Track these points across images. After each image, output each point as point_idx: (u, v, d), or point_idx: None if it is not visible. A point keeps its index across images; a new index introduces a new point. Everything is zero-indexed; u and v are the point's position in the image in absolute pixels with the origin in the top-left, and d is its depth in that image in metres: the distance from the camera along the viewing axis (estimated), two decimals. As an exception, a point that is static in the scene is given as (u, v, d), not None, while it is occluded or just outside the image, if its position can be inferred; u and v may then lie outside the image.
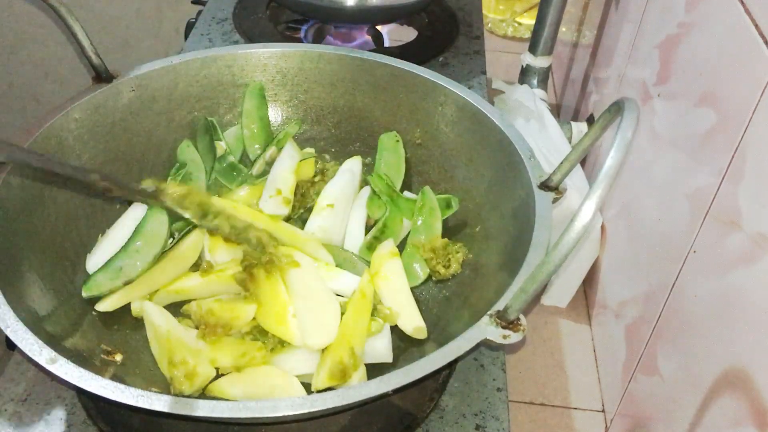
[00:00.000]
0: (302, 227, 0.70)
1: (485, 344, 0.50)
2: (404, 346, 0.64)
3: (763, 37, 0.54)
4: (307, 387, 0.58)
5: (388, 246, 0.68)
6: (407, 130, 0.77)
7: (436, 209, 0.71)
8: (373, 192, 0.74)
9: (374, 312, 0.62)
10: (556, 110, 1.25)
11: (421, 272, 0.68)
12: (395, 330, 0.65)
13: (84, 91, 0.70)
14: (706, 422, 0.58)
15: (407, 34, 1.18)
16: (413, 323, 0.63)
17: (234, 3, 1.15)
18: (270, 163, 0.75)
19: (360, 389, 0.47)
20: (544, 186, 0.61)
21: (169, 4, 1.55)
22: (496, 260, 0.64)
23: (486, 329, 0.49)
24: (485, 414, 0.62)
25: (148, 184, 0.59)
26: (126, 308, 0.64)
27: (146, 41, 1.61)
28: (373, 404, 0.62)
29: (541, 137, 0.93)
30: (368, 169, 0.79)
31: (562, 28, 1.18)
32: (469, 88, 0.82)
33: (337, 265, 0.67)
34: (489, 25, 1.48)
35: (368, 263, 0.68)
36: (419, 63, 0.77)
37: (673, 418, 0.64)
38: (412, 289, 0.67)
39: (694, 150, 0.65)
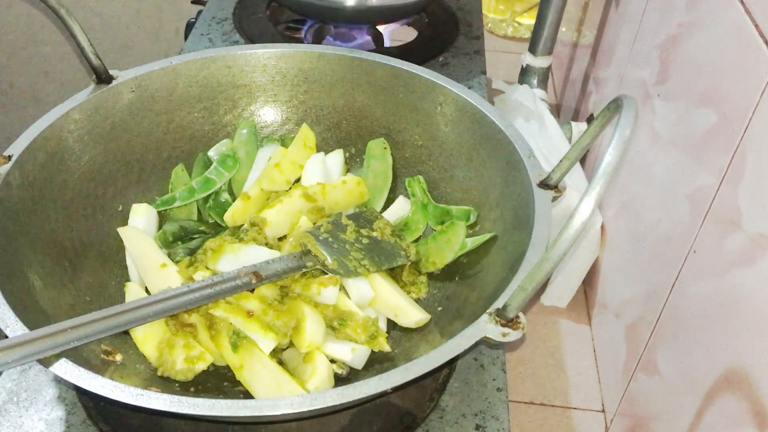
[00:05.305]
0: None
1: (485, 342, 0.50)
2: (406, 341, 0.64)
3: (763, 37, 0.54)
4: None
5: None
6: (407, 130, 0.77)
7: (455, 244, 0.69)
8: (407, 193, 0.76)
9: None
10: (556, 110, 1.25)
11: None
12: (396, 325, 0.65)
13: (84, 92, 0.70)
14: (706, 422, 0.58)
15: (407, 34, 1.18)
16: (413, 318, 0.64)
17: (234, 3, 1.15)
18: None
19: (359, 387, 0.47)
20: (544, 184, 0.61)
21: (169, 4, 1.55)
22: (495, 258, 0.64)
23: (485, 327, 0.50)
24: (485, 414, 0.62)
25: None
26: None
27: (146, 41, 1.61)
28: (372, 404, 0.62)
29: (541, 137, 0.93)
30: (352, 159, 0.81)
31: (562, 28, 1.18)
32: (469, 88, 0.82)
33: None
34: (489, 25, 1.48)
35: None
36: (419, 63, 0.77)
37: (673, 418, 0.64)
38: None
39: (694, 150, 0.65)
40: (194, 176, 0.76)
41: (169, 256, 0.68)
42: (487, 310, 0.51)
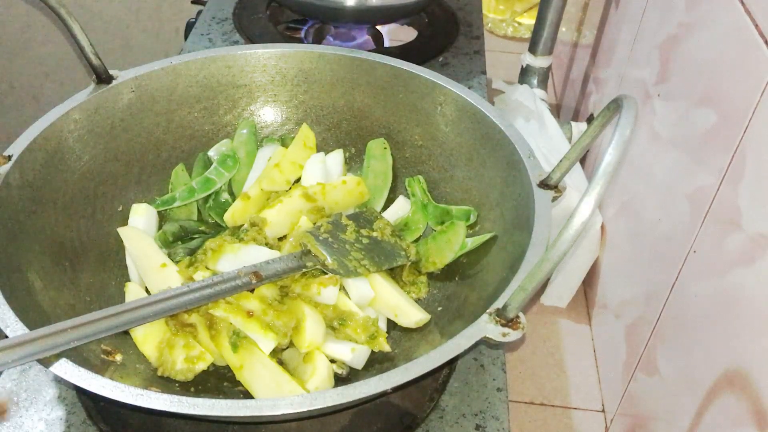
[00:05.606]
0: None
1: (485, 343, 0.50)
2: (406, 341, 0.64)
3: (763, 37, 0.54)
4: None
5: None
6: (407, 130, 0.77)
7: (455, 244, 0.68)
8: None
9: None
10: (556, 110, 1.25)
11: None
12: (396, 325, 0.65)
13: (84, 92, 0.70)
14: (706, 422, 0.58)
15: (407, 34, 1.18)
16: (413, 318, 0.64)
17: (234, 3, 1.15)
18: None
19: (359, 387, 0.47)
20: (544, 184, 0.61)
21: (169, 4, 1.55)
22: (495, 258, 0.64)
23: (485, 327, 0.50)
24: (485, 414, 0.62)
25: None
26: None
27: (146, 41, 1.61)
28: (372, 404, 0.62)
29: (541, 137, 0.93)
30: (352, 159, 0.81)
31: (562, 28, 1.18)
32: (469, 88, 0.82)
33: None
34: (489, 25, 1.48)
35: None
36: (419, 63, 0.77)
37: (673, 418, 0.64)
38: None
39: (694, 150, 0.65)
40: (194, 176, 0.76)
41: (169, 256, 0.68)
42: (487, 310, 0.51)
